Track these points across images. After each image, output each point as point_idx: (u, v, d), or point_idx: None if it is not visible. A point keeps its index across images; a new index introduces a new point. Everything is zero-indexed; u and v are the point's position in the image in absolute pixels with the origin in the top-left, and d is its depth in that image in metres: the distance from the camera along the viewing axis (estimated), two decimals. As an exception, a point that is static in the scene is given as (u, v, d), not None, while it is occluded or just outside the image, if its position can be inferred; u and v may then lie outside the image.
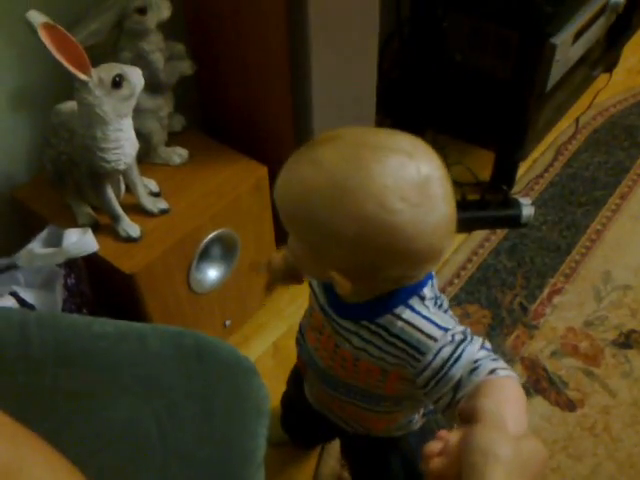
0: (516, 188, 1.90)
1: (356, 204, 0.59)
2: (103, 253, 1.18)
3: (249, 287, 1.50)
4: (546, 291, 1.64)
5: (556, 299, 1.63)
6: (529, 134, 1.79)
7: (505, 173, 1.86)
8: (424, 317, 0.70)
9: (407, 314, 0.70)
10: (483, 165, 1.88)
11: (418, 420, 0.90)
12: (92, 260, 1.17)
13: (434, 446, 0.54)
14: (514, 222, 1.79)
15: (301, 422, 1.20)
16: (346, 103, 1.41)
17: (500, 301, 1.62)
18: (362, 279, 0.66)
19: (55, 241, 1.15)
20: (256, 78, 1.35)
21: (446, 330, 0.68)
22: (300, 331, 0.90)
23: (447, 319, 0.71)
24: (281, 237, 1.50)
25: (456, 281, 1.67)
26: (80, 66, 1.03)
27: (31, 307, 1.08)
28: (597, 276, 1.68)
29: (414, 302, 0.71)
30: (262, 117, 1.41)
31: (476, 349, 0.66)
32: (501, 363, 0.66)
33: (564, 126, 2.11)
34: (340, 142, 0.63)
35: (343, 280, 0.66)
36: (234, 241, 1.36)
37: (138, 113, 1.23)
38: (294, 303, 1.61)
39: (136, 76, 1.09)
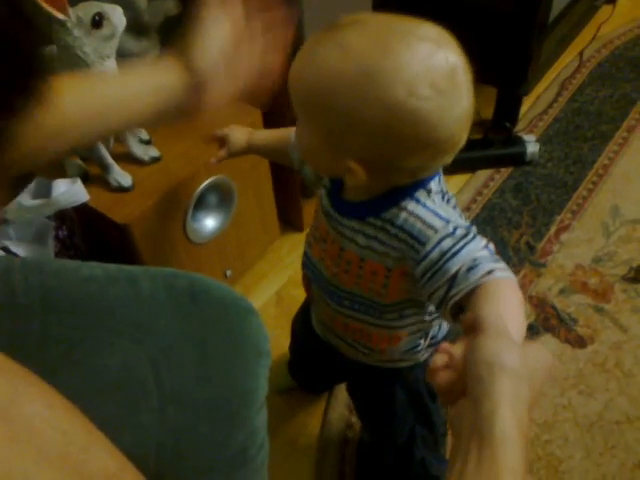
0: (520, 125, 1.85)
1: (385, 90, 0.59)
2: (95, 204, 1.14)
3: (249, 236, 1.46)
4: (553, 229, 1.61)
5: (563, 236, 1.59)
6: (532, 68, 1.72)
7: (508, 110, 1.80)
8: (427, 208, 0.68)
9: (412, 205, 0.69)
10: (486, 103, 1.82)
11: (423, 349, 0.87)
12: (84, 212, 1.13)
13: (439, 359, 0.52)
14: (519, 160, 1.74)
15: (309, 365, 1.18)
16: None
17: (506, 240, 1.58)
18: (380, 169, 0.65)
19: (44, 193, 1.10)
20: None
21: (447, 221, 0.66)
22: (305, 251, 0.88)
23: (451, 212, 0.69)
24: (279, 182, 1.46)
25: (460, 222, 1.62)
26: (57, 5, 0.97)
27: (24, 262, 1.05)
28: (605, 211, 1.64)
29: (420, 194, 0.69)
30: (253, 58, 1.35)
31: (478, 248, 0.64)
32: (501, 264, 0.63)
33: (567, 60, 2.05)
34: (366, 26, 0.61)
35: (360, 170, 0.64)
36: (230, 189, 1.32)
37: (123, 58, 1.17)
38: (295, 252, 1.58)
39: (117, 15, 1.03)
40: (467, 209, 1.66)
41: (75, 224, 1.13)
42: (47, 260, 0.74)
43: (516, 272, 1.51)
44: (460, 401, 0.52)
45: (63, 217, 1.10)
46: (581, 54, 2.05)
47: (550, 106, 1.92)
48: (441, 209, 0.68)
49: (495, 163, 1.75)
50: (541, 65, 1.80)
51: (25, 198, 1.09)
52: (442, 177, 0.73)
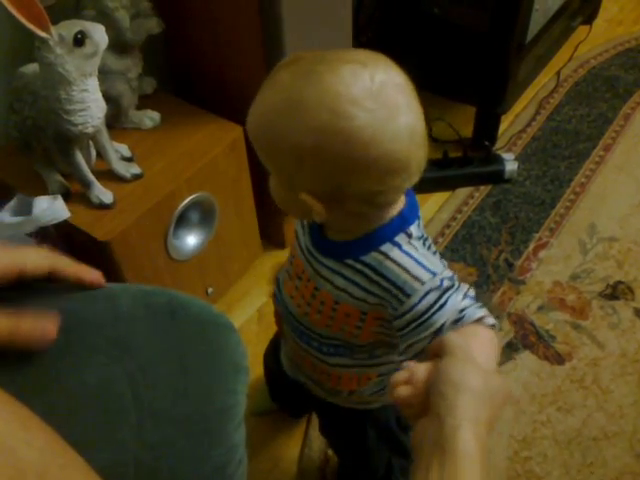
0: (499, 144, 1.87)
1: (310, 114, 0.59)
2: (76, 221, 1.14)
3: (230, 254, 1.46)
4: (531, 246, 1.63)
5: (542, 253, 1.61)
6: (510, 87, 1.75)
7: (487, 128, 1.83)
8: (412, 258, 0.68)
9: (395, 253, 0.68)
10: (465, 121, 1.85)
11: (386, 393, 0.88)
12: (65, 229, 1.13)
13: (401, 375, 0.55)
14: (497, 178, 1.76)
15: (284, 395, 1.19)
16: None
17: (486, 258, 1.60)
18: (333, 199, 0.64)
19: (25, 210, 1.10)
20: (227, 35, 1.30)
21: (434, 274, 0.66)
22: (277, 283, 0.88)
23: (436, 262, 0.69)
24: (261, 198, 1.47)
25: (440, 240, 1.64)
26: (39, 23, 0.97)
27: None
28: (582, 229, 1.66)
29: (401, 240, 0.69)
30: (235, 76, 1.36)
31: (460, 297, 0.65)
32: (485, 311, 0.65)
33: (545, 80, 2.08)
34: (298, 62, 0.63)
35: (315, 202, 0.64)
36: (212, 205, 1.32)
37: (106, 75, 1.18)
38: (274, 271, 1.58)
39: (99, 33, 1.04)
40: (447, 226, 1.67)
41: (56, 241, 1.13)
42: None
43: (495, 289, 1.53)
44: (423, 419, 0.54)
45: (44, 234, 1.10)
46: (558, 74, 2.09)
47: (528, 125, 1.95)
48: (425, 258, 0.68)
49: (474, 181, 1.77)
50: (519, 84, 1.83)
51: (5, 215, 1.08)
52: (421, 221, 0.73)
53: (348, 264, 0.71)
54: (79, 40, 1.01)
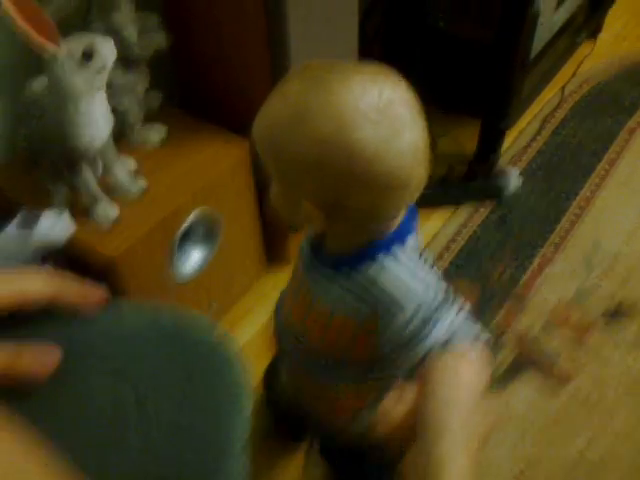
0: (503, 159, 1.87)
1: (315, 124, 0.59)
2: (81, 236, 1.13)
3: (234, 270, 1.46)
4: (536, 262, 1.62)
5: (546, 270, 1.60)
6: (514, 102, 1.75)
7: (491, 143, 1.82)
8: (408, 270, 0.68)
9: (391, 264, 0.68)
10: (470, 137, 1.84)
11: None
12: (70, 244, 1.12)
13: (393, 396, 0.57)
14: (502, 193, 1.76)
15: (284, 414, 1.18)
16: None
17: (490, 274, 1.59)
18: (333, 210, 0.64)
19: (30, 225, 1.09)
20: (233, 50, 1.30)
21: (428, 287, 0.67)
22: (279, 300, 0.89)
23: (431, 275, 0.69)
24: (266, 219, 1.46)
25: (446, 255, 1.64)
26: (49, 37, 0.97)
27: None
28: (587, 245, 1.66)
29: (398, 251, 0.69)
30: (242, 90, 1.35)
31: (454, 312, 0.66)
32: (477, 328, 0.66)
33: (550, 96, 2.08)
34: (306, 72, 0.63)
35: (315, 211, 0.64)
36: (217, 221, 1.32)
37: (113, 90, 1.17)
38: (280, 287, 1.57)
39: (108, 47, 1.03)
40: (452, 241, 1.67)
41: (61, 256, 1.12)
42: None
43: (499, 306, 1.52)
44: (412, 450, 0.55)
45: (48, 249, 1.09)
46: (563, 89, 2.08)
47: (533, 140, 1.95)
48: (420, 271, 0.68)
49: (479, 196, 1.77)
50: (524, 99, 1.83)
51: (11, 231, 1.08)
52: (418, 235, 0.73)
53: (344, 274, 0.71)
54: (88, 55, 1.01)
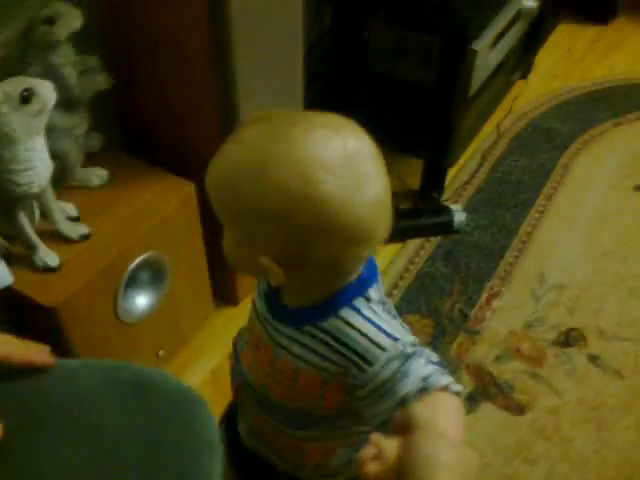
0: (445, 195, 1.90)
1: (278, 175, 0.57)
2: (19, 286, 1.07)
3: (181, 313, 1.41)
4: (484, 295, 1.64)
5: (495, 303, 1.62)
6: (455, 140, 1.79)
7: (434, 180, 1.86)
8: (373, 323, 0.65)
9: (354, 319, 0.65)
10: (413, 173, 1.87)
11: (352, 466, 0.84)
12: (6, 294, 1.06)
13: (368, 451, 0.52)
14: (447, 229, 1.78)
15: (241, 463, 1.13)
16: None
17: (440, 309, 1.59)
18: (292, 264, 0.61)
19: (-37, 276, 1.03)
20: (177, 90, 1.28)
21: (396, 340, 0.64)
22: (235, 352, 0.84)
23: (397, 327, 0.67)
24: (212, 255, 1.43)
25: (395, 292, 1.63)
26: (-18, 80, 0.93)
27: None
28: (532, 277, 1.69)
29: (360, 304, 0.66)
30: (186, 132, 1.33)
31: (423, 363, 0.63)
32: (449, 378, 0.63)
33: (486, 132, 2.14)
34: (267, 121, 0.61)
35: (274, 267, 0.61)
36: (163, 265, 1.28)
37: (52, 132, 1.13)
38: (230, 327, 1.53)
39: (47, 90, 1.00)
40: (400, 279, 1.67)
41: (-2, 308, 1.06)
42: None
43: (452, 340, 1.52)
44: None
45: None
46: (498, 126, 2.15)
47: (473, 176, 1.99)
48: (385, 323, 0.65)
49: (425, 232, 1.78)
50: (464, 136, 1.87)
51: (-59, 282, 1.01)
52: (381, 283, 0.71)
53: (306, 331, 0.68)
54: (26, 97, 0.97)
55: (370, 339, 0.64)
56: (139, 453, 0.56)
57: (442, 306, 1.60)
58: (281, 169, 0.57)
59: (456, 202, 1.88)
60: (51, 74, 1.12)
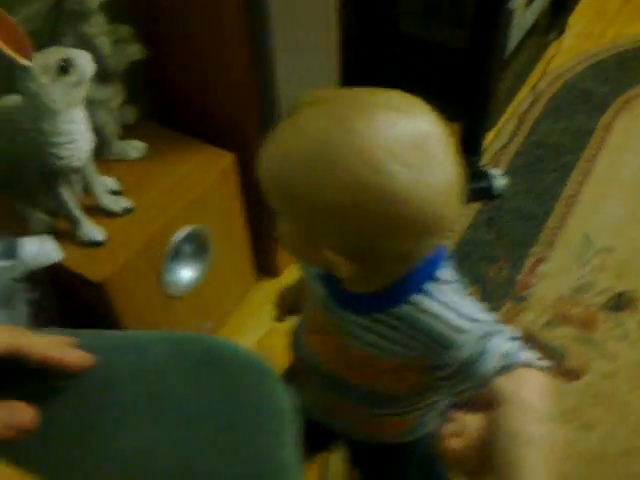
0: (484, 159, 1.85)
1: (346, 171, 0.52)
2: (66, 262, 1.05)
3: (224, 285, 1.39)
4: (529, 261, 1.59)
5: (540, 268, 1.58)
6: (492, 103, 1.74)
7: (472, 145, 1.80)
8: (447, 306, 0.61)
9: (428, 303, 0.61)
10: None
11: (429, 423, 0.82)
12: (54, 270, 1.04)
13: (450, 427, 0.52)
14: (488, 194, 1.73)
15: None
16: (310, 77, 1.31)
17: (485, 276, 1.56)
18: (361, 258, 0.57)
19: (9, 253, 1.01)
20: (212, 58, 1.24)
21: (473, 320, 0.60)
22: (295, 336, 0.80)
23: (472, 306, 0.62)
24: (253, 228, 1.40)
25: (437, 260, 1.60)
26: (21, 51, 0.90)
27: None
28: (578, 241, 1.64)
29: (432, 287, 0.62)
30: (222, 101, 1.30)
31: (503, 340, 0.60)
32: (533, 354, 0.60)
33: (522, 94, 2.08)
34: (325, 104, 0.55)
35: (340, 260, 0.57)
36: (205, 237, 1.25)
37: (87, 105, 1.11)
38: (271, 299, 1.51)
39: (84, 60, 0.97)
40: (442, 246, 1.63)
41: (46, 284, 1.04)
42: (40, 331, 0.66)
43: (498, 307, 1.49)
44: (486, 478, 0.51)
45: (32, 278, 1.01)
46: (534, 88, 2.09)
47: (511, 140, 1.94)
48: (460, 304, 0.61)
49: (467, 198, 1.74)
50: (501, 99, 1.82)
51: (-12, 260, 1.00)
52: (450, 262, 0.66)
53: (378, 319, 0.64)
54: (64, 68, 0.94)
55: (447, 323, 0.60)
56: (217, 427, 0.54)
57: (487, 273, 1.56)
58: (347, 161, 0.52)
59: (495, 167, 1.83)
60: (84, 45, 1.09)
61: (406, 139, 0.52)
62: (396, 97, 0.55)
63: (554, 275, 1.56)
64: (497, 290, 1.52)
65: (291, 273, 1.54)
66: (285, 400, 0.59)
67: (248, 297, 1.49)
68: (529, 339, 1.42)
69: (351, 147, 0.52)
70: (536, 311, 1.48)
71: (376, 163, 0.51)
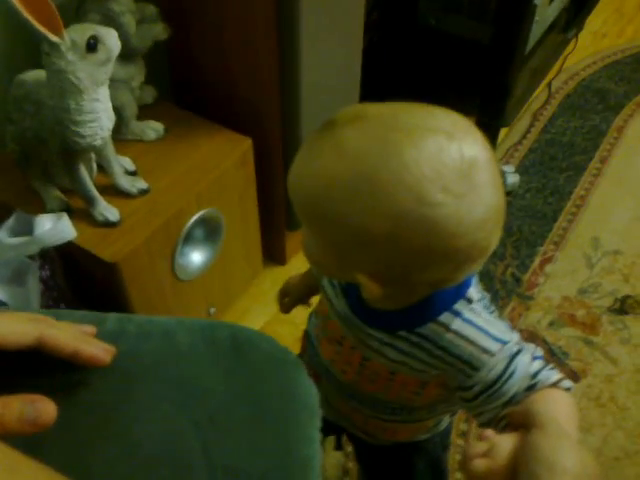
0: (496, 156, 1.85)
1: (389, 198, 0.49)
2: (79, 241, 1.05)
3: (233, 271, 1.39)
4: (537, 260, 1.60)
5: (548, 267, 1.58)
6: (510, 99, 1.73)
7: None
8: (477, 327, 0.60)
9: (457, 324, 0.60)
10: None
11: (444, 422, 0.83)
12: (66, 249, 1.04)
13: (479, 447, 0.50)
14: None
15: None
16: (334, 64, 1.31)
17: (492, 273, 1.56)
18: (394, 283, 0.56)
19: (25, 229, 1.01)
20: (239, 41, 1.23)
21: (503, 342, 0.59)
22: (309, 340, 0.79)
23: (500, 326, 0.61)
24: (265, 216, 1.41)
25: (445, 254, 1.60)
26: (51, 26, 0.89)
27: (1, 304, 0.96)
28: (586, 242, 1.64)
29: (462, 307, 0.61)
30: (243, 85, 1.29)
31: (529, 360, 0.59)
32: (558, 373, 0.59)
33: (537, 92, 2.07)
34: (366, 122, 0.52)
35: (372, 284, 0.56)
36: (219, 222, 1.25)
37: (109, 84, 1.10)
38: (277, 286, 1.51)
39: (112, 38, 0.96)
40: (451, 240, 1.63)
41: (57, 262, 1.04)
42: (63, 312, 0.66)
43: (504, 305, 1.49)
44: None
45: (44, 255, 1.01)
46: (549, 85, 2.08)
47: (524, 137, 1.93)
48: (490, 325, 0.60)
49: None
50: (518, 96, 1.81)
51: (3, 235, 1.00)
52: (476, 277, 0.64)
53: (401, 336, 0.63)
54: (92, 45, 0.94)
55: (475, 344, 0.60)
56: (243, 417, 0.55)
57: (495, 270, 1.57)
58: (390, 188, 0.50)
59: (507, 163, 1.83)
60: (109, 23, 1.08)
61: (454, 166, 0.50)
62: (443, 118, 0.52)
63: (561, 275, 1.57)
64: (504, 287, 1.53)
65: (298, 261, 1.54)
66: (312, 394, 0.60)
67: (254, 283, 1.49)
68: (532, 338, 1.43)
69: (396, 174, 0.49)
70: (542, 310, 1.49)
71: (421, 192, 0.49)
